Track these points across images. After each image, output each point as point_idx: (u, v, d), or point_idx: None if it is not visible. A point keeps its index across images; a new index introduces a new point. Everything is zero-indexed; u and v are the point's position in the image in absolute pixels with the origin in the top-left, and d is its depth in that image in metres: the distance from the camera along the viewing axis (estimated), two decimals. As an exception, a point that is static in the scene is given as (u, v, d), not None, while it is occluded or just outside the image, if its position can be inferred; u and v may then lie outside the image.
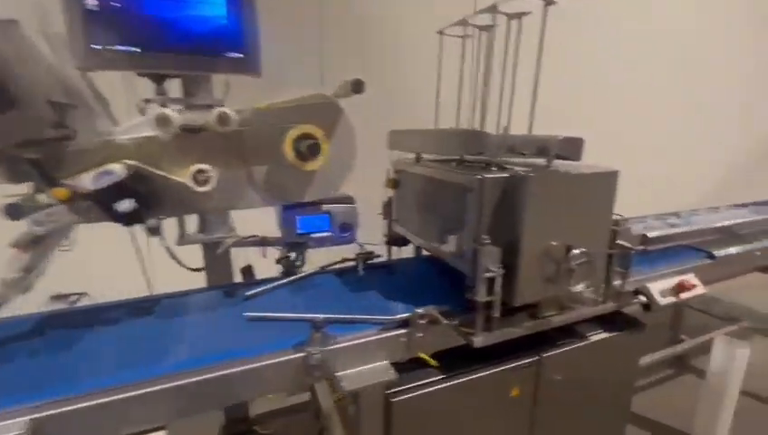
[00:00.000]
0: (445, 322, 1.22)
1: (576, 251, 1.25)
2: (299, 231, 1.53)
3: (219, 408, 1.04)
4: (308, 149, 1.23)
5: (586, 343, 1.55)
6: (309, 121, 1.27)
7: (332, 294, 1.51)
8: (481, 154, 1.31)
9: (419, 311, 1.24)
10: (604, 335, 1.59)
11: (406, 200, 1.74)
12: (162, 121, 1.04)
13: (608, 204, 1.33)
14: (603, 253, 1.38)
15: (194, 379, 1.01)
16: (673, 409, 2.57)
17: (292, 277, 1.58)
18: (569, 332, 1.56)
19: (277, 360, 1.10)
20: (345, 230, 1.58)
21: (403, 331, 1.25)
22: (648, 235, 1.92)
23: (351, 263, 1.78)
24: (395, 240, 1.88)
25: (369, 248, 1.87)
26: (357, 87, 1.21)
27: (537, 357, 1.44)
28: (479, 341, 1.25)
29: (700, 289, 1.62)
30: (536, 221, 1.20)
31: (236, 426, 2.03)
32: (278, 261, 1.75)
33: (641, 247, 1.39)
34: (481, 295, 1.21)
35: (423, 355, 1.29)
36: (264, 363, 1.10)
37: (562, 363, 1.50)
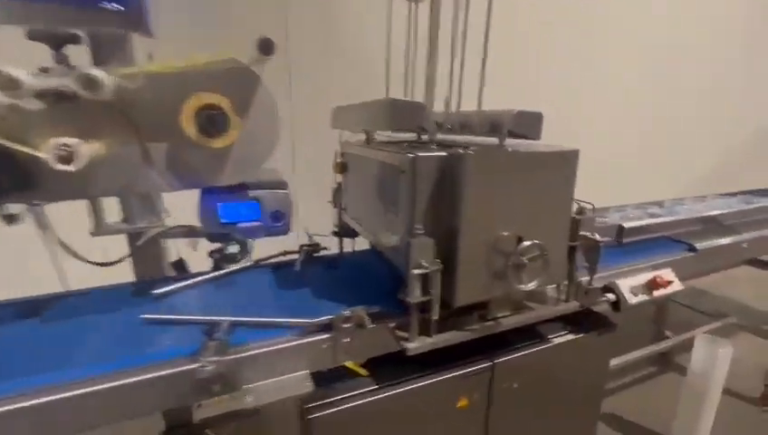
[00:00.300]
0: (370, 325, 1.05)
1: (527, 243, 1.07)
2: (222, 220, 1.35)
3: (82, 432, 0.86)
4: (209, 121, 1.04)
5: (548, 345, 1.38)
6: (215, 90, 1.08)
7: (258, 292, 1.33)
8: (424, 131, 1.12)
9: (344, 313, 1.07)
10: (569, 337, 1.42)
11: (352, 186, 1.56)
12: (7, 84, 0.84)
13: (566, 189, 1.14)
14: (563, 245, 1.20)
15: (49, 398, 0.83)
16: (654, 410, 2.42)
17: (217, 272, 1.40)
18: (529, 333, 1.39)
19: (161, 373, 0.93)
20: (277, 219, 1.40)
21: (325, 336, 1.07)
22: (625, 225, 1.75)
23: (294, 256, 1.61)
24: (345, 231, 1.70)
25: (317, 240, 1.70)
26: (264, 47, 1.02)
27: (489, 363, 1.27)
28: (413, 347, 1.08)
29: (676, 285, 1.45)
30: (478, 208, 1.02)
31: (177, 432, 1.87)
32: (210, 254, 1.57)
33: (608, 239, 1.22)
34: (413, 295, 1.03)
35: (350, 364, 1.11)
36: (148, 376, 0.92)
37: (520, 369, 1.33)
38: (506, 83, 2.94)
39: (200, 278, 1.36)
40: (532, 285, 1.09)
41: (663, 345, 2.53)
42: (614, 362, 2.35)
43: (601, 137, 3.46)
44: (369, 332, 1.10)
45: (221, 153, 1.14)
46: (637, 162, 3.78)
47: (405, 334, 1.10)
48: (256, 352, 1.01)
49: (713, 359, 1.92)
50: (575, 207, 1.28)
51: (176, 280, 1.36)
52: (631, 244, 1.79)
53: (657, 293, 1.40)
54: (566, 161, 1.12)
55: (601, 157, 3.53)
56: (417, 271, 1.00)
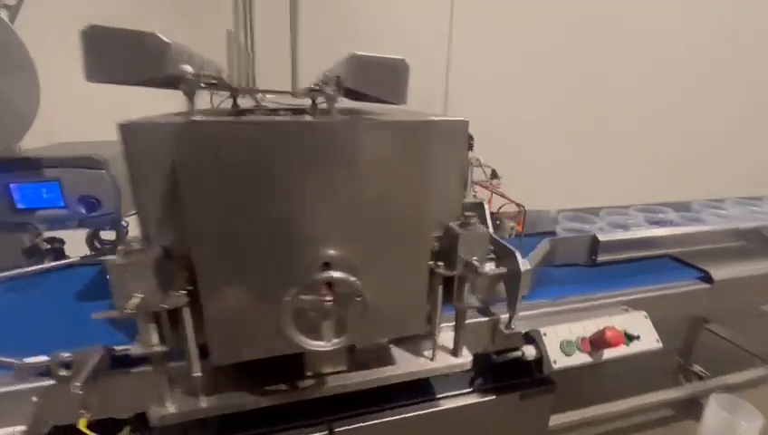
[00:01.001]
0: (77, 385, 0.69)
1: (335, 274, 0.65)
2: (19, 206, 1.05)
3: None
4: None
5: (432, 410, 0.95)
6: None
7: (29, 306, 1.02)
8: (171, 80, 0.71)
9: (64, 354, 0.73)
10: (472, 400, 0.98)
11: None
12: None
13: (419, 186, 0.69)
14: (420, 277, 0.75)
15: None
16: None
17: (16, 271, 1.13)
18: (404, 386, 0.96)
19: None
20: (91, 207, 1.07)
21: (42, 384, 0.75)
22: (600, 238, 1.22)
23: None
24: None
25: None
26: None
27: (326, 431, 0.88)
28: (159, 415, 0.71)
29: (647, 343, 0.93)
30: (227, 211, 0.61)
31: None
32: (48, 241, 1.31)
33: (499, 271, 0.73)
34: (143, 342, 0.66)
35: (82, 425, 0.77)
36: None
37: (380, 441, 0.93)
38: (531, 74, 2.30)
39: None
40: (336, 343, 0.67)
41: (675, 394, 1.93)
42: (613, 406, 1.82)
43: (646, 130, 2.73)
44: (112, 383, 0.76)
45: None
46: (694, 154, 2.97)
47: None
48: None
49: (731, 432, 1.35)
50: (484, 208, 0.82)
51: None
52: (613, 264, 1.26)
53: (607, 353, 0.90)
54: (427, 140, 0.66)
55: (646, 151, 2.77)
56: (128, 310, 0.62)
